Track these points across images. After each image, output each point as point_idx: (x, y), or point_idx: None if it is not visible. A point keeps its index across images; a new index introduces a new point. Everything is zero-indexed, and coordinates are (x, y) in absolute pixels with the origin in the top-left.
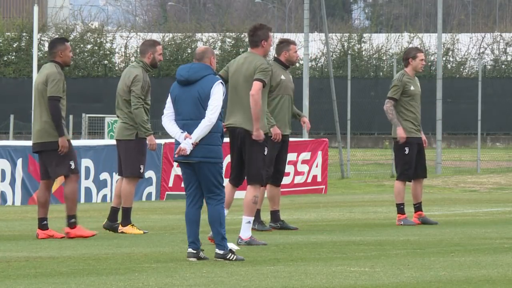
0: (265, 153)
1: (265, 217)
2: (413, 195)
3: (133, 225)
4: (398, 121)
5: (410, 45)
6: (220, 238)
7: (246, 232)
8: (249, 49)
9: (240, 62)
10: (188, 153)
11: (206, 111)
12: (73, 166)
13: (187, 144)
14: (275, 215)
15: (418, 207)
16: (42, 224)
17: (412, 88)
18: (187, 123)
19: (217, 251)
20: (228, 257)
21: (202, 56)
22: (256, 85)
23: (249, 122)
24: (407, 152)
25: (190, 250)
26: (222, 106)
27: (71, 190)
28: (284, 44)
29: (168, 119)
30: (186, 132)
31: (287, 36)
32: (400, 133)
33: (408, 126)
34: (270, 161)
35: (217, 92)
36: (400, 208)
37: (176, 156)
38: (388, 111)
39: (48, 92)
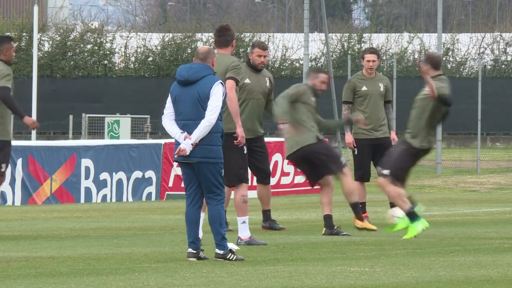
0: (245, 151)
1: (257, 216)
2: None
3: None
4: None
5: (410, 45)
6: (220, 238)
7: (244, 232)
8: (216, 50)
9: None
10: (187, 153)
11: (206, 112)
12: (3, 169)
13: (186, 144)
14: (265, 214)
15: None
16: None
17: (363, 88)
18: (187, 123)
19: (217, 251)
20: (228, 257)
21: (206, 56)
22: (229, 83)
23: (225, 124)
24: (356, 153)
25: (190, 250)
26: (222, 106)
27: None
28: (251, 47)
29: (168, 119)
30: (186, 133)
31: (287, 36)
32: (346, 139)
33: (358, 126)
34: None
35: (217, 93)
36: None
37: (176, 156)
38: (342, 116)
39: None
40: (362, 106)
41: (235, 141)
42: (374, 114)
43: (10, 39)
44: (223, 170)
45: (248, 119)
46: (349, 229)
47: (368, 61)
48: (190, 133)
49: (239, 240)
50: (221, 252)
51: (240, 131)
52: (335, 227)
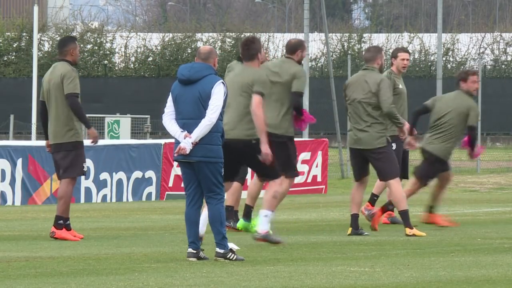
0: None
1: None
2: (376, 187)
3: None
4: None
5: (410, 45)
6: (221, 238)
7: (263, 226)
8: (244, 62)
9: (236, 72)
10: (187, 152)
11: (207, 111)
12: (85, 168)
13: (186, 143)
14: (232, 212)
15: (371, 199)
16: (66, 224)
17: (400, 86)
18: (187, 122)
19: (218, 250)
20: (228, 256)
21: (207, 56)
22: (256, 98)
23: (245, 130)
24: (393, 148)
25: (190, 250)
26: (222, 106)
27: (67, 192)
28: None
29: (168, 118)
30: (186, 132)
31: (287, 36)
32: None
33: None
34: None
35: (218, 92)
36: (374, 199)
37: (175, 155)
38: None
39: (66, 90)
40: (398, 104)
41: (260, 158)
42: (405, 113)
43: (74, 39)
44: (223, 170)
45: None
46: (346, 229)
47: (403, 59)
48: (190, 132)
49: (256, 234)
50: (222, 251)
51: (265, 148)
52: (360, 228)
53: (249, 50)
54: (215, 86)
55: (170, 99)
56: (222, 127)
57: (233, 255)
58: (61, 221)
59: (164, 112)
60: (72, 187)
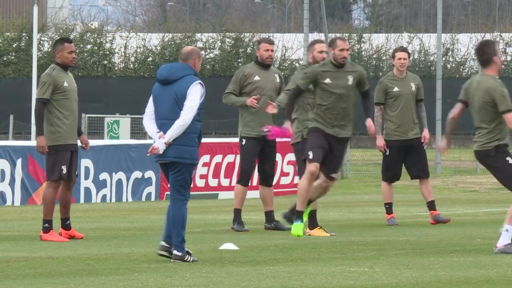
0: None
1: (258, 217)
2: (422, 195)
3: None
4: (378, 130)
5: (410, 45)
6: (180, 240)
7: (503, 240)
8: (480, 70)
9: (474, 86)
10: (160, 152)
11: (181, 112)
12: (64, 171)
13: (159, 143)
14: (269, 215)
15: (429, 206)
16: (66, 224)
17: (395, 89)
18: (163, 122)
19: (175, 252)
20: (185, 259)
21: (187, 56)
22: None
23: None
24: (387, 153)
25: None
26: (200, 107)
27: (46, 194)
28: (257, 44)
29: (147, 119)
30: (161, 132)
31: (287, 36)
32: (377, 142)
33: (389, 128)
34: (252, 160)
35: (194, 93)
36: (386, 208)
37: (148, 155)
38: (375, 118)
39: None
40: (394, 107)
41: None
42: (406, 115)
43: (63, 40)
44: (194, 172)
45: (262, 116)
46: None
47: (399, 58)
48: (165, 132)
49: (495, 248)
50: (180, 254)
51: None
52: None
53: (482, 56)
54: (191, 87)
55: (150, 100)
56: (200, 128)
57: (189, 257)
58: (47, 224)
59: (145, 112)
60: (53, 189)
